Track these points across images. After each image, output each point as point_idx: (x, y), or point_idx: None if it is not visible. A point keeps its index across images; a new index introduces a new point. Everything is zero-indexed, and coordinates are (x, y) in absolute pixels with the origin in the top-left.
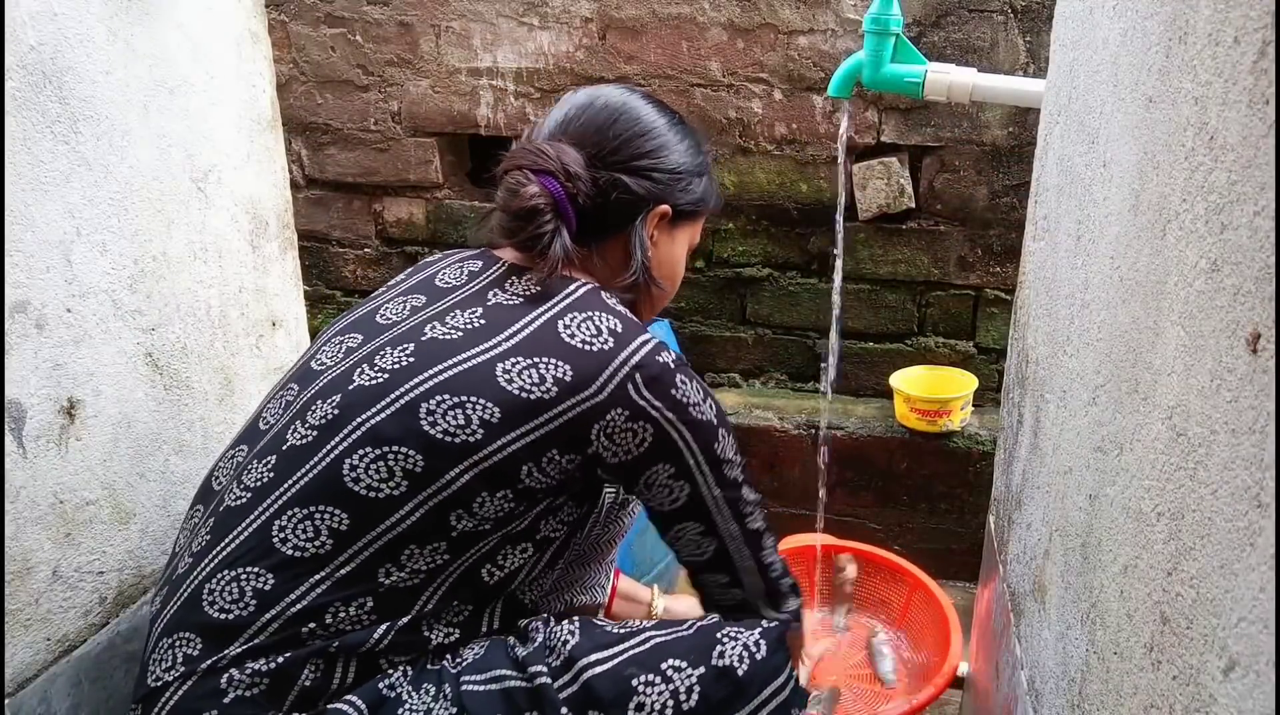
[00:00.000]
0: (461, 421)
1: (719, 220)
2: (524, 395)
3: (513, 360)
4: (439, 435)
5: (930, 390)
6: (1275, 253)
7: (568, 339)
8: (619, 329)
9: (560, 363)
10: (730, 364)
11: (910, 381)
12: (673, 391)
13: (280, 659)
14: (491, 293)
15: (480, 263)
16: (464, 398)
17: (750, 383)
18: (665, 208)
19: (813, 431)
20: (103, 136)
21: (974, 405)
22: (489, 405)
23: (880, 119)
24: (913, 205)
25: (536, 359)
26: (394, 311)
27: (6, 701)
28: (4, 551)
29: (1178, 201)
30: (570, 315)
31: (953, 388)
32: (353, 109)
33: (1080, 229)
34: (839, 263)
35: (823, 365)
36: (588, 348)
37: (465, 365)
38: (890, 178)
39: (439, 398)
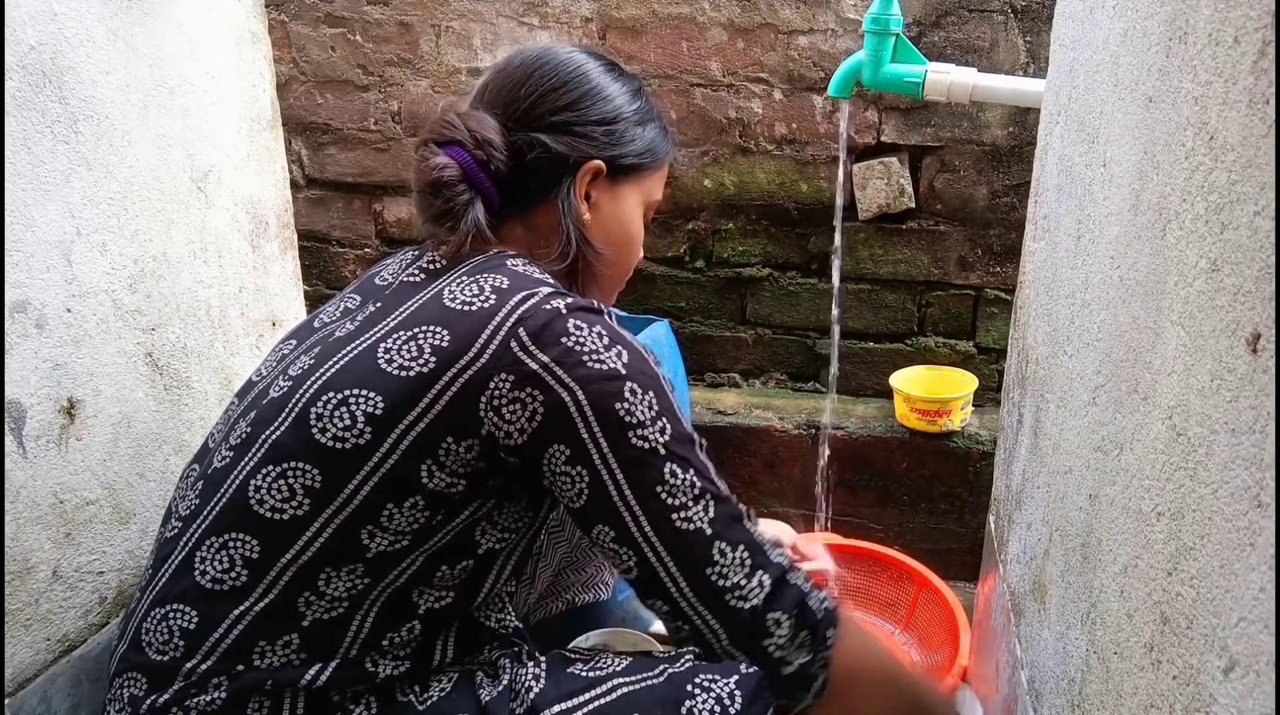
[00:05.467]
0: (347, 421)
1: (719, 220)
2: (403, 374)
3: (394, 337)
4: (329, 442)
5: (930, 390)
6: (1275, 253)
7: (449, 303)
8: (504, 285)
9: (438, 329)
10: (730, 364)
11: (910, 381)
12: (563, 340)
13: (223, 694)
14: (406, 275)
15: (416, 252)
16: (347, 392)
17: (750, 383)
18: (597, 164)
19: (813, 431)
20: (103, 136)
21: (974, 405)
22: (371, 395)
23: (880, 119)
24: (913, 205)
25: (416, 330)
26: (329, 314)
27: (6, 701)
28: (4, 551)
29: (1178, 201)
30: (459, 281)
31: (953, 388)
32: (353, 109)
33: (1080, 229)
34: (837, 262)
35: (832, 373)
36: (468, 308)
37: (350, 355)
38: (890, 178)
39: (325, 398)
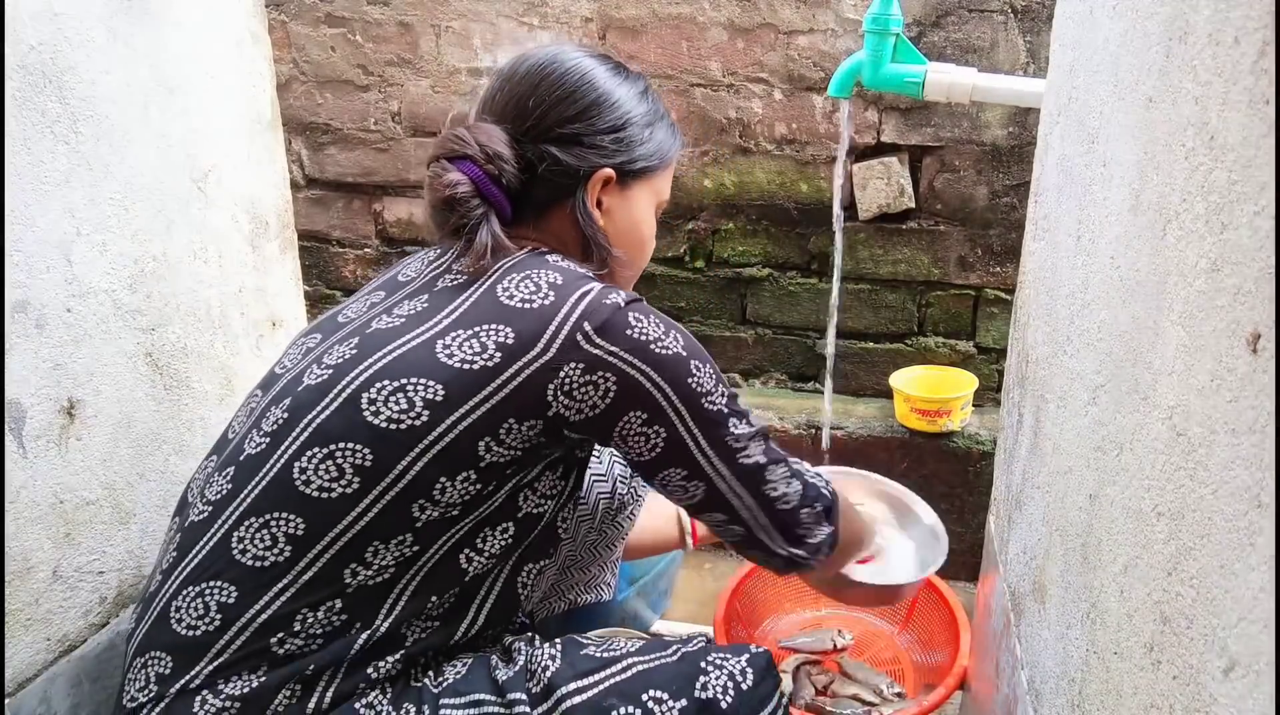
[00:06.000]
0: (404, 406)
1: (719, 220)
2: (466, 367)
3: (453, 334)
4: (383, 424)
5: (930, 390)
6: (1275, 253)
7: (506, 301)
8: (559, 282)
9: (500, 327)
10: (730, 364)
11: (910, 381)
12: (628, 332)
13: (255, 682)
14: (440, 279)
15: (437, 251)
16: (404, 381)
17: (750, 383)
18: (606, 173)
19: (813, 431)
20: (103, 136)
21: (974, 405)
22: (431, 384)
23: (880, 119)
24: (913, 205)
25: (477, 328)
26: (354, 310)
27: (6, 701)
28: (4, 551)
29: (1178, 201)
30: (509, 277)
31: (953, 388)
32: (353, 109)
33: (1080, 229)
34: (837, 262)
35: (829, 372)
36: (528, 306)
37: (403, 348)
38: (890, 178)
39: (379, 385)
